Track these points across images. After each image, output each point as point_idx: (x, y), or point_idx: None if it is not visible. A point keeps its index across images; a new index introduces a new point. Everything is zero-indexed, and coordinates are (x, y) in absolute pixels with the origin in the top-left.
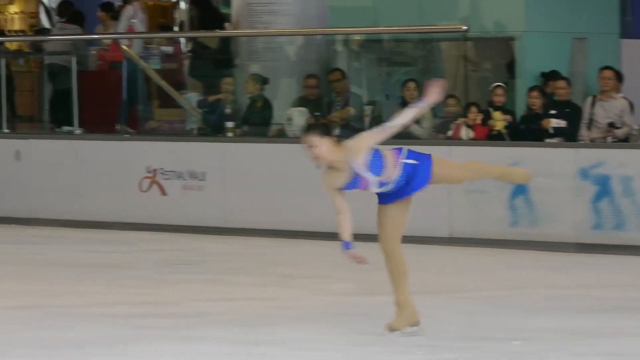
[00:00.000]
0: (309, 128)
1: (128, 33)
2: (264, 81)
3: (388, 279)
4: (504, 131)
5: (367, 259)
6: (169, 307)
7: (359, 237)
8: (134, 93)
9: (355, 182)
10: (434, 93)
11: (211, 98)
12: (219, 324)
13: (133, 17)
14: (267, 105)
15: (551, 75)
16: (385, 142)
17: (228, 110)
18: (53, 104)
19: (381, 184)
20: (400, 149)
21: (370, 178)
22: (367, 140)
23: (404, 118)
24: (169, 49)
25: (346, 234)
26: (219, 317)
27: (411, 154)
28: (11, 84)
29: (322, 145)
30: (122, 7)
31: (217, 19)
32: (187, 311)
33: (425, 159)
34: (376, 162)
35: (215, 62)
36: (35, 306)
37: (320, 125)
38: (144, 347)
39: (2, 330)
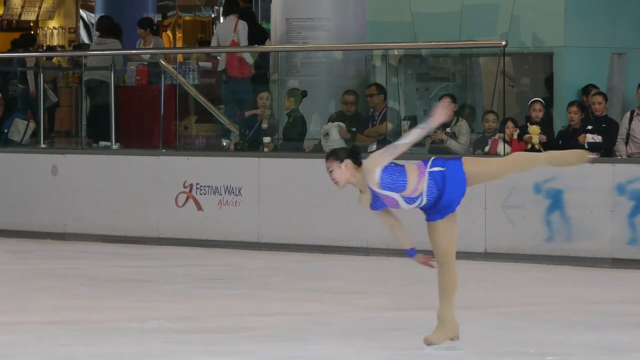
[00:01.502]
0: (328, 154)
1: (167, 48)
2: (302, 94)
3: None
4: (538, 146)
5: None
6: (203, 322)
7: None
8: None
9: (377, 201)
10: (441, 114)
11: (248, 113)
12: (253, 339)
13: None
14: (301, 121)
15: (586, 90)
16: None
17: (265, 125)
18: (90, 119)
19: (410, 200)
20: (427, 160)
21: (393, 195)
22: (375, 161)
23: (410, 137)
24: (207, 64)
25: (405, 243)
26: (253, 333)
27: (437, 162)
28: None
29: (339, 170)
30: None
31: (260, 35)
32: (222, 326)
33: (453, 162)
34: (395, 179)
35: (253, 77)
36: (71, 322)
37: (339, 150)
38: None
39: (37, 345)
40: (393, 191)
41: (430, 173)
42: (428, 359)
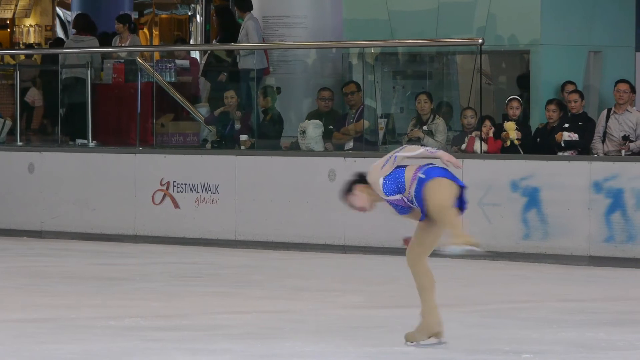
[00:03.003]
0: (340, 197)
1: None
2: (277, 91)
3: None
4: (517, 142)
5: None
6: (180, 320)
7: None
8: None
9: (396, 207)
10: (452, 161)
11: (217, 112)
12: (230, 337)
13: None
14: (278, 119)
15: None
16: None
17: (237, 126)
18: (67, 117)
19: (410, 200)
20: (424, 165)
21: (399, 197)
22: (376, 173)
23: (413, 153)
24: (185, 62)
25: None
26: (230, 330)
27: (423, 168)
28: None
29: (356, 197)
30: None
31: (236, 31)
32: (199, 324)
33: (430, 176)
34: (397, 182)
35: (231, 74)
36: (47, 319)
37: (344, 186)
38: (155, 359)
39: (13, 343)
40: (398, 193)
41: (419, 178)
42: (404, 357)
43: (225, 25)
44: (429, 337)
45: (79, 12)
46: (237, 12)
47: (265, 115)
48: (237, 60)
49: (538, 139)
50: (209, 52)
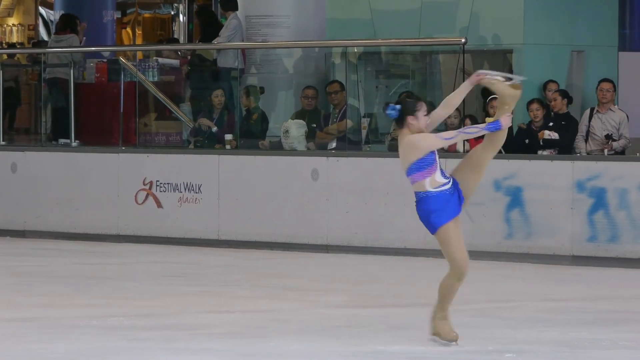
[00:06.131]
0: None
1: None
2: (260, 91)
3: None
4: None
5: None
6: (163, 319)
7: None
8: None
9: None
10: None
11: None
12: (214, 336)
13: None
14: (263, 118)
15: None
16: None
17: (214, 129)
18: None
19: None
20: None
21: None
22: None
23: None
24: (175, 61)
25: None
26: (213, 330)
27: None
28: (16, 95)
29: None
30: None
31: (217, 31)
32: (182, 323)
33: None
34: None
35: (213, 73)
36: (30, 318)
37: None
38: (138, 358)
39: (2, 343)
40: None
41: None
42: (387, 356)
43: (206, 26)
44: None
45: (61, 11)
46: (220, 11)
47: (250, 115)
48: (215, 56)
49: (527, 140)
50: (192, 51)
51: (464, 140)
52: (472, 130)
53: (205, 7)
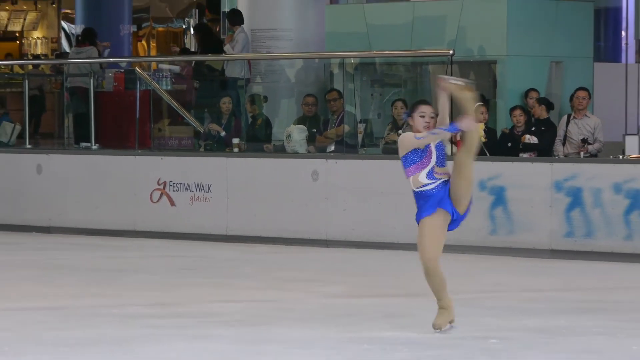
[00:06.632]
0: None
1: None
2: (264, 99)
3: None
4: (483, 139)
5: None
6: (176, 308)
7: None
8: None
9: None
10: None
11: (211, 127)
12: (223, 323)
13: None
14: (267, 124)
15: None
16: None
17: (223, 134)
18: (74, 122)
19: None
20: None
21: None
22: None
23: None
24: (176, 67)
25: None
26: (222, 318)
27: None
28: (41, 103)
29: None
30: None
31: (216, 45)
32: (193, 312)
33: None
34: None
35: (222, 82)
36: (55, 307)
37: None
38: (153, 345)
39: (25, 330)
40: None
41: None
42: (380, 340)
43: (204, 41)
44: (450, 322)
45: (82, 25)
46: (228, 25)
47: (255, 121)
48: (224, 67)
49: (509, 144)
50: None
51: (451, 144)
52: (437, 131)
53: (203, 24)
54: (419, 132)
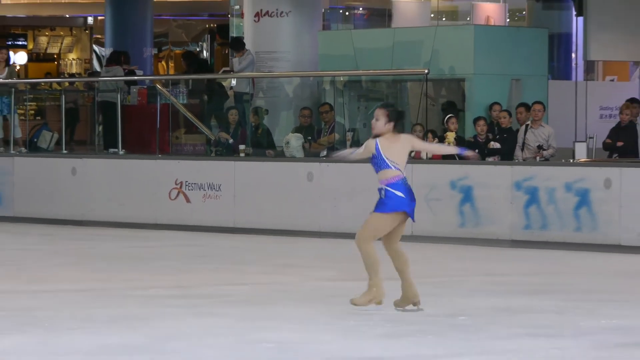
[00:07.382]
0: (385, 104)
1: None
2: (265, 112)
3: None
4: (454, 143)
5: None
6: (190, 290)
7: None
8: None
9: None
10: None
11: (220, 135)
12: (230, 303)
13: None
14: (267, 133)
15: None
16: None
17: (231, 141)
18: (104, 131)
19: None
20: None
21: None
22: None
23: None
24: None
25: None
26: (230, 298)
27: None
28: (75, 115)
29: (381, 124)
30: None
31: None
32: (206, 293)
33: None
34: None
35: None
36: (87, 289)
37: (394, 111)
38: (170, 321)
39: (63, 308)
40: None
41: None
42: (367, 319)
43: (191, 67)
44: (374, 303)
45: (111, 48)
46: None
47: (257, 130)
48: (232, 84)
49: (476, 150)
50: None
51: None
52: (351, 151)
53: (190, 52)
54: (381, 134)
